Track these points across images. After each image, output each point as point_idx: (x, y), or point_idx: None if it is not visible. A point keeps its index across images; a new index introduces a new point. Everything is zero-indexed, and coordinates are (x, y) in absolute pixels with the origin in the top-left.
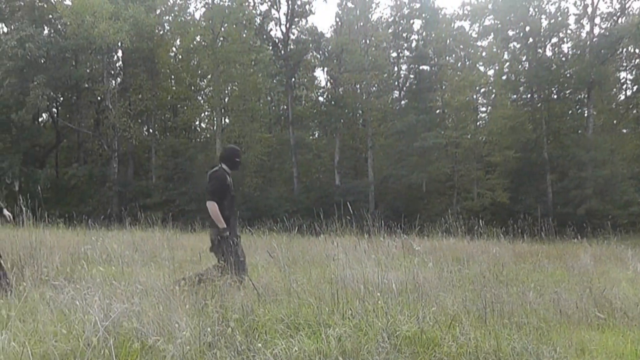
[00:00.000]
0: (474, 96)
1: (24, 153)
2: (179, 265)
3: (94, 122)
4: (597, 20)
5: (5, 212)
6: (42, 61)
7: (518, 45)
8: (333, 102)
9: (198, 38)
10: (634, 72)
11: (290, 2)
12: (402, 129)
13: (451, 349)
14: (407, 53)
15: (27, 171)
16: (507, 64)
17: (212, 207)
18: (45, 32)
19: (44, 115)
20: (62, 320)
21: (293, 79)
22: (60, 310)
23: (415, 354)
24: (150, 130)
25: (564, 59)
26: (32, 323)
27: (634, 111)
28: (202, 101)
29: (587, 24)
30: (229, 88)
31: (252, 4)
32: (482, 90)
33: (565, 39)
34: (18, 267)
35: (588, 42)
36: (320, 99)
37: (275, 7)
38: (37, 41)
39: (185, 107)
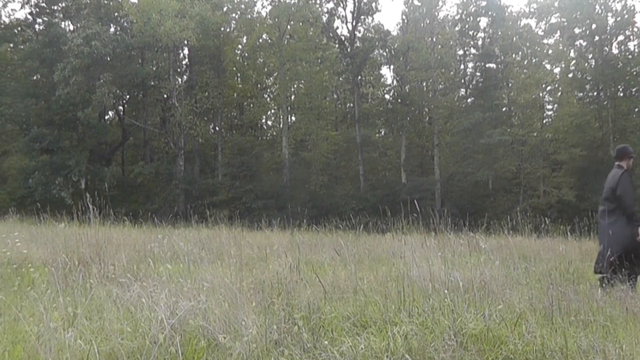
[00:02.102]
0: (540, 94)
1: (91, 151)
2: (245, 263)
3: (160, 119)
4: None
5: None
6: (108, 59)
7: (584, 43)
8: (399, 100)
9: (264, 36)
10: None
11: (356, 0)
12: (468, 126)
13: (517, 346)
14: (473, 51)
15: (93, 169)
16: (573, 61)
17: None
18: (112, 30)
19: (110, 113)
20: (129, 318)
21: (359, 77)
22: (126, 308)
23: (481, 351)
24: (217, 128)
25: (630, 56)
26: (99, 321)
27: None
28: (268, 99)
29: None
30: (295, 86)
31: (318, 1)
32: (549, 88)
33: (631, 37)
34: (84, 265)
35: None
36: (387, 96)
37: (341, 4)
38: (103, 39)
39: (252, 105)
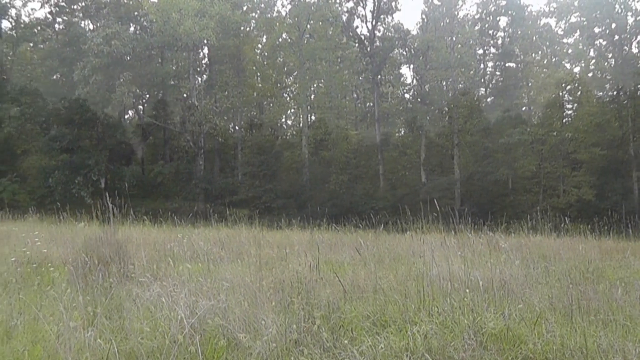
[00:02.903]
0: (560, 93)
1: (110, 150)
2: (265, 262)
3: (179, 119)
4: None
5: None
6: (128, 58)
7: (604, 43)
8: (419, 99)
9: (284, 35)
10: None
11: None
12: (488, 125)
13: (537, 346)
14: (493, 50)
15: (113, 168)
16: (593, 61)
17: None
18: (131, 29)
19: (129, 112)
20: (148, 318)
21: (379, 76)
22: (146, 307)
23: (501, 351)
24: (236, 127)
25: None
26: (118, 320)
27: None
28: (288, 98)
29: None
30: (314, 85)
31: (338, 0)
32: (568, 87)
33: None
34: (104, 264)
35: None
36: (406, 96)
37: (361, 3)
38: (123, 38)
39: (271, 104)
